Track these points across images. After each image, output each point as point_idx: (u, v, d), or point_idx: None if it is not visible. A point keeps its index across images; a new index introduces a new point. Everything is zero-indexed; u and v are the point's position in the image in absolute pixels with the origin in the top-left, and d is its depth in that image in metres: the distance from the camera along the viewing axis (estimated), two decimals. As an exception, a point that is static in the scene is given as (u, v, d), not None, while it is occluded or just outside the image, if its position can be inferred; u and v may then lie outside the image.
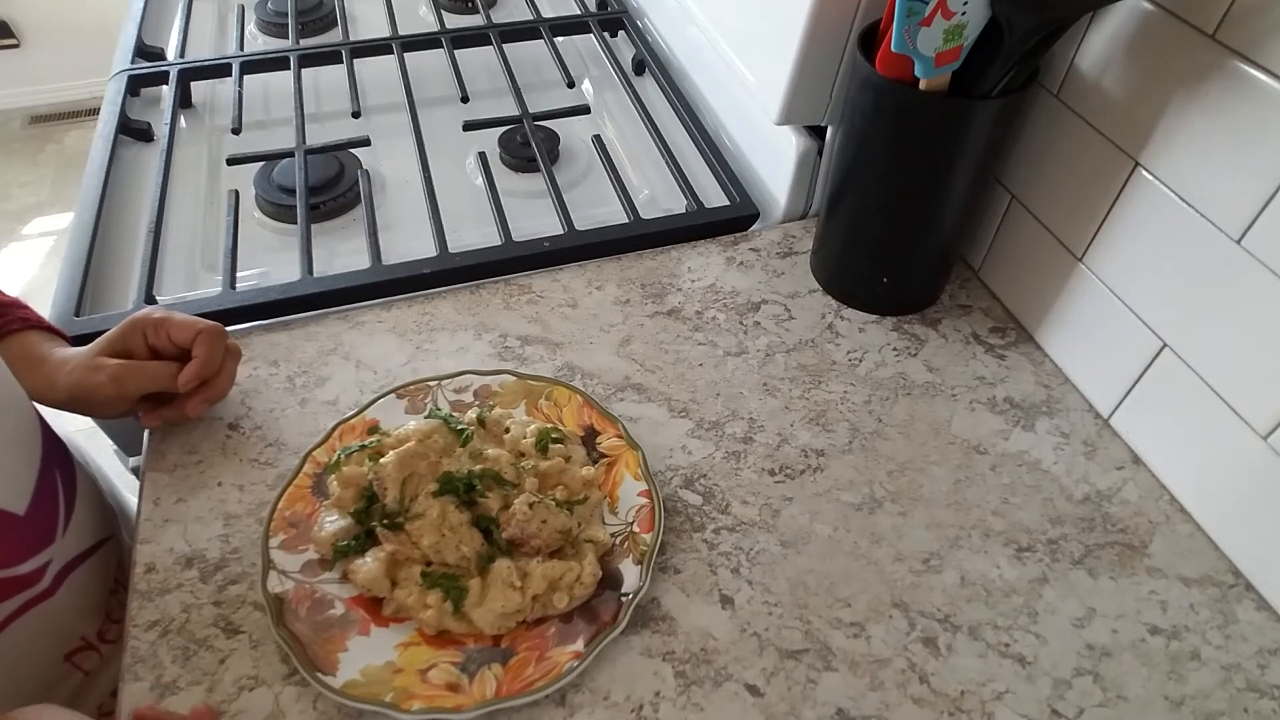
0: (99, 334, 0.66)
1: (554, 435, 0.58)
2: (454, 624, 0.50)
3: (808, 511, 0.59)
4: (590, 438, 0.60)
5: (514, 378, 0.63)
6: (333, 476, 0.55)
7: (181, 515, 0.57)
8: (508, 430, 0.58)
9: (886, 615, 0.53)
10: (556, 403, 0.62)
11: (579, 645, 0.49)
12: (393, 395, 0.61)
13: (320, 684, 0.47)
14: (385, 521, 0.52)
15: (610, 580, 0.52)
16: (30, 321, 0.58)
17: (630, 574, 0.52)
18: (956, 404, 0.66)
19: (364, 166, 0.88)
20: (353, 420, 0.60)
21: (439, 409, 0.60)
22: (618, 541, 0.54)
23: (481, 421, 0.58)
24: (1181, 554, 0.57)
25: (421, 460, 0.53)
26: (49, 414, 0.57)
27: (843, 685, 0.50)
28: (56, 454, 0.55)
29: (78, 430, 0.65)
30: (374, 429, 0.59)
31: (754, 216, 0.81)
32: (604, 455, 0.59)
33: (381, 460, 0.53)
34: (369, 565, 0.51)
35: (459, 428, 0.56)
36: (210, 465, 0.59)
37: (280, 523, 0.54)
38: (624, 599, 0.51)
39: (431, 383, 0.62)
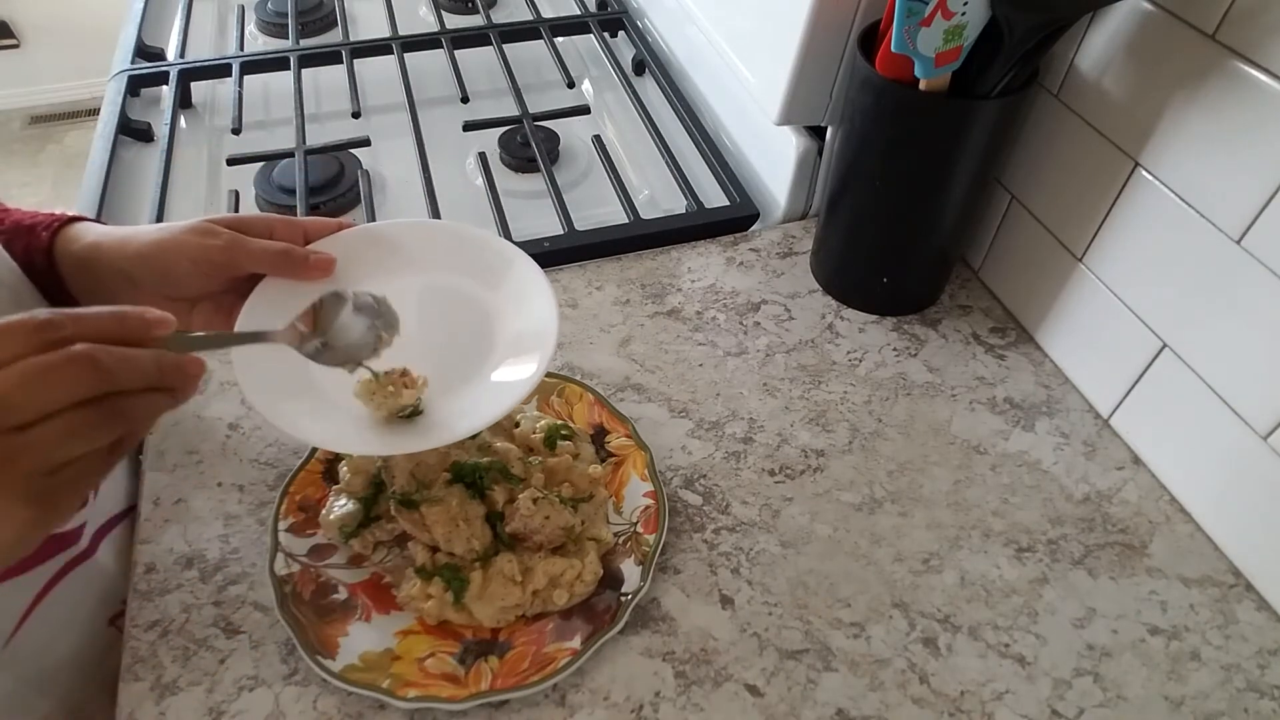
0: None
1: (563, 431, 0.58)
2: (454, 615, 0.50)
3: (808, 511, 0.58)
4: (599, 436, 0.60)
5: None
6: (343, 462, 0.56)
7: (181, 515, 0.57)
8: (518, 424, 0.59)
9: (886, 615, 0.53)
10: (568, 399, 0.62)
11: (575, 643, 0.49)
12: None
13: (319, 667, 0.47)
14: (400, 498, 0.52)
15: (611, 579, 0.53)
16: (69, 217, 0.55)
17: (631, 574, 0.53)
18: (956, 404, 0.66)
19: (364, 167, 0.88)
20: None
21: None
22: (620, 541, 0.55)
23: None
24: (1181, 554, 0.57)
25: (430, 450, 0.53)
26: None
27: (843, 685, 0.50)
28: None
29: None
30: None
31: (754, 217, 0.81)
32: (612, 454, 0.59)
33: None
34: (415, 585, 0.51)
35: None
36: (210, 465, 0.59)
37: (290, 506, 0.55)
38: (623, 599, 0.51)
39: None
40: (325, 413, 0.48)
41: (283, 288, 0.52)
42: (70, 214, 0.54)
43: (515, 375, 0.49)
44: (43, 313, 0.37)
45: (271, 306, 0.50)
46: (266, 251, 0.51)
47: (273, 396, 0.47)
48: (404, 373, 0.48)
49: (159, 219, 0.77)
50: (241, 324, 0.49)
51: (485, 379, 0.51)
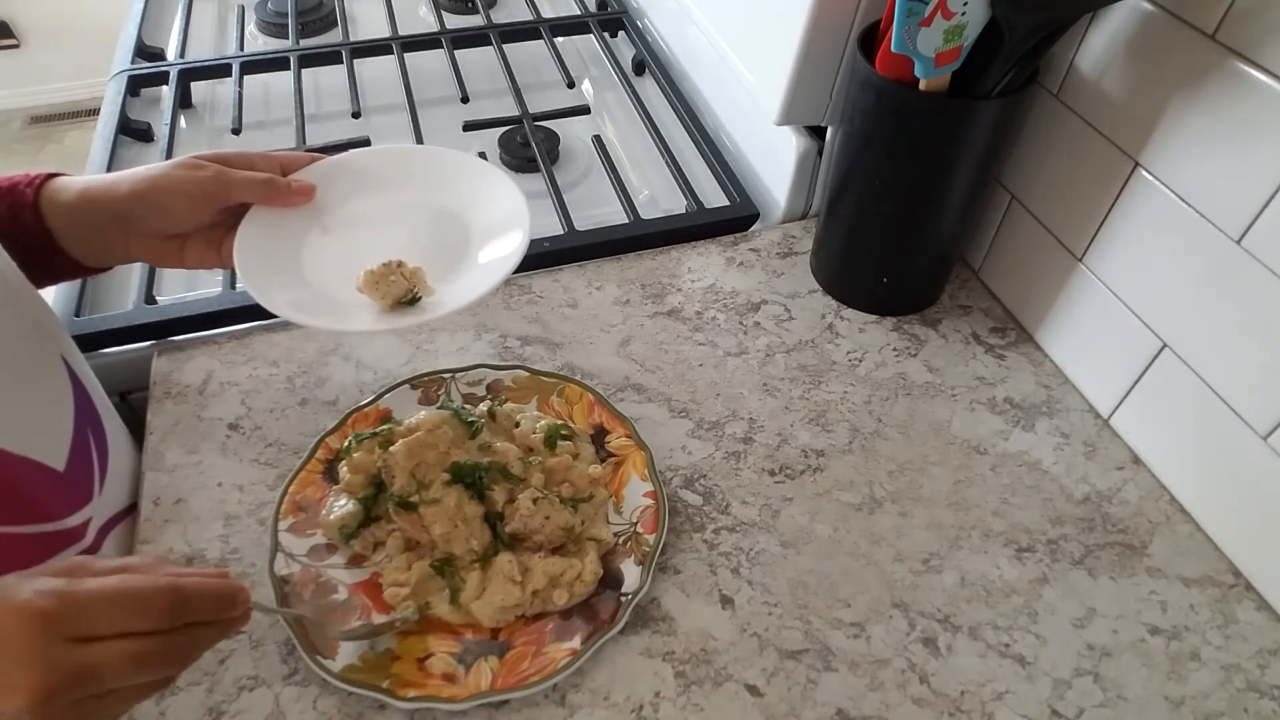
0: (99, 334, 0.67)
1: (563, 432, 0.58)
2: (452, 615, 0.50)
3: (808, 512, 0.58)
4: (599, 436, 0.60)
5: (527, 373, 0.63)
6: (343, 462, 0.56)
7: (181, 515, 0.56)
8: (518, 425, 0.59)
9: (886, 615, 0.53)
10: (568, 400, 0.62)
11: (575, 643, 0.49)
12: (407, 385, 0.62)
13: (319, 667, 0.47)
14: (398, 500, 0.52)
15: (611, 579, 0.53)
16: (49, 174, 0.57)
17: (631, 574, 0.53)
18: (956, 404, 0.66)
19: (364, 166, 0.88)
20: (366, 409, 0.60)
21: (451, 401, 0.61)
22: (620, 541, 0.55)
23: (492, 415, 0.58)
24: (1181, 554, 0.57)
25: (430, 450, 0.53)
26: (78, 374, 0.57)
27: (843, 685, 0.50)
28: (87, 411, 0.55)
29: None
30: (386, 418, 0.59)
31: (754, 217, 0.81)
32: (612, 454, 0.59)
33: (391, 449, 0.53)
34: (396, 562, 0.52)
35: (469, 420, 0.56)
36: (210, 465, 0.59)
37: (290, 506, 0.55)
38: (623, 599, 0.51)
39: (445, 375, 0.63)
40: (340, 311, 0.54)
41: (268, 217, 0.57)
42: (48, 171, 0.56)
43: (501, 251, 0.56)
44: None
45: (261, 232, 0.56)
46: (252, 181, 0.56)
47: (299, 313, 0.52)
48: (400, 264, 0.54)
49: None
50: (238, 250, 0.54)
51: (474, 262, 0.57)
